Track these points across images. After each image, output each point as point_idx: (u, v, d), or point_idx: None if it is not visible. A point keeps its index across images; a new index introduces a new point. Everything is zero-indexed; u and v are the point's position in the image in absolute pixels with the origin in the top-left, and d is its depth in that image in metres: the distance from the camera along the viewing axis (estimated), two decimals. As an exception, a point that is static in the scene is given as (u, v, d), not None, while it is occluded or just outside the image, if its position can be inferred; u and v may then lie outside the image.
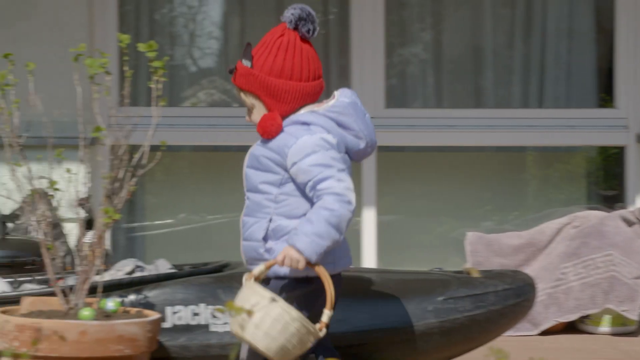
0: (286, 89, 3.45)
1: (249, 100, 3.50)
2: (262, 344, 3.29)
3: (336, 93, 3.54)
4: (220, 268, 4.35)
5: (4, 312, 3.80)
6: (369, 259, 6.28)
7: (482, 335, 4.23)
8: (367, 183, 6.29)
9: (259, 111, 3.48)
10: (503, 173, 6.73)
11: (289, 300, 3.37)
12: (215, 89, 6.54)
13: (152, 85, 3.82)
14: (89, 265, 3.80)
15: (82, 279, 3.80)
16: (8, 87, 3.87)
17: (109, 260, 4.88)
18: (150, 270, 4.43)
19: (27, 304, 3.88)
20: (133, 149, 3.90)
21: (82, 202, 5.11)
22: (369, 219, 6.28)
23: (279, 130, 3.44)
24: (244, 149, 3.65)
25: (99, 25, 6.11)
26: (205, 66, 6.71)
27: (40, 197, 4.02)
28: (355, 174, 6.31)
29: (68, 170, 3.97)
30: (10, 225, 5.43)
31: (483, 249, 5.77)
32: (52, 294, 3.94)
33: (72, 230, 5.41)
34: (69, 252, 5.33)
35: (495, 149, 6.68)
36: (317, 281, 3.42)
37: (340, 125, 3.47)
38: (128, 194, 3.91)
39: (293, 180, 3.43)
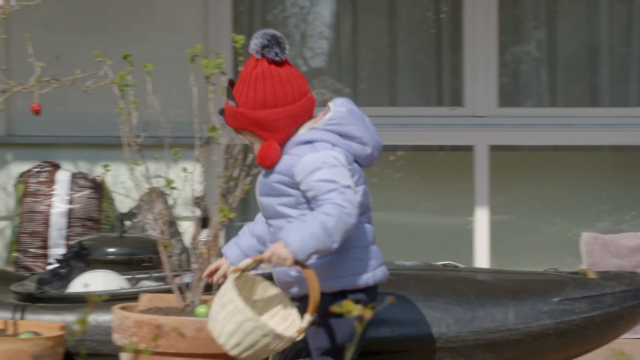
0: (275, 118, 3.38)
1: (246, 137, 3.46)
2: (221, 340, 3.27)
3: (330, 104, 3.46)
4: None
5: (123, 309, 3.88)
6: (481, 259, 6.23)
7: (599, 338, 4.16)
8: (479, 183, 6.24)
9: (259, 145, 3.43)
10: (619, 173, 6.60)
11: (326, 316, 3.30)
12: (326, 88, 6.57)
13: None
14: (204, 263, 3.85)
15: (198, 277, 3.85)
16: (127, 87, 3.95)
17: (224, 258, 4.94)
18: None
19: (144, 300, 3.95)
20: (247, 148, 3.94)
21: (198, 201, 5.18)
22: (482, 219, 6.23)
23: (278, 155, 3.38)
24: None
25: (213, 26, 6.18)
26: (316, 66, 6.74)
27: (157, 195, 4.09)
28: (467, 173, 6.29)
29: (184, 169, 4.03)
30: (127, 223, 5.53)
31: (599, 249, 5.68)
32: (169, 291, 4.01)
33: (187, 229, 5.50)
34: (184, 250, 5.41)
35: (611, 148, 6.57)
36: (354, 294, 3.36)
37: (342, 136, 3.39)
38: (242, 192, 3.95)
39: (307, 202, 3.36)
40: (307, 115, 3.43)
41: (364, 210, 3.41)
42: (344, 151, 3.37)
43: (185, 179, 4.03)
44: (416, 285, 4.16)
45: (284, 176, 3.37)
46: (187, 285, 3.88)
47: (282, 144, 3.40)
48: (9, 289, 4.44)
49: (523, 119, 6.33)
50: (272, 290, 3.45)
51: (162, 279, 4.58)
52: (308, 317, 3.25)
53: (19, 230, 5.60)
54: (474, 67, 6.30)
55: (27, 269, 5.55)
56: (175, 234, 5.40)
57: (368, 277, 3.38)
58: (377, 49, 6.68)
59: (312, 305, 3.23)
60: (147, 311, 3.85)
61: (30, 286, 4.43)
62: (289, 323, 3.40)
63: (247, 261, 3.35)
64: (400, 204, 6.49)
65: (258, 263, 3.36)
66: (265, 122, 3.38)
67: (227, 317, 3.23)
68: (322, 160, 3.30)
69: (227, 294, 3.25)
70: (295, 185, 3.35)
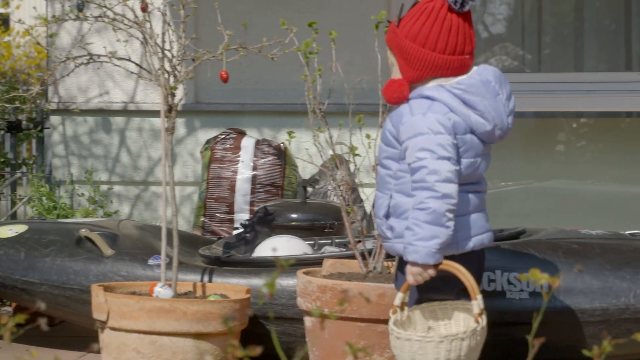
0: (416, 56, 3.34)
1: (391, 58, 3.44)
2: None
3: (474, 69, 3.37)
4: (516, 235, 4.31)
5: (306, 273, 3.93)
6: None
7: None
8: None
9: (396, 70, 3.42)
10: None
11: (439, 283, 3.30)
12: (507, 55, 6.47)
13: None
14: (387, 230, 3.86)
15: (380, 243, 3.87)
16: (312, 55, 3.98)
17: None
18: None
19: (327, 265, 4.00)
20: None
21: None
22: None
23: (400, 100, 3.35)
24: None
25: (395, -8, 6.16)
26: (497, 32, 6.65)
27: (340, 162, 4.12)
28: None
29: (367, 136, 4.04)
30: (310, 189, 5.60)
31: None
32: (352, 256, 4.04)
33: (370, 195, 5.52)
34: (366, 216, 5.44)
35: None
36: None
37: (465, 103, 3.30)
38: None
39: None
40: (447, 72, 3.35)
41: (468, 181, 3.33)
42: (459, 119, 3.30)
43: (368, 146, 4.04)
44: (602, 255, 4.08)
45: (393, 128, 3.35)
46: (370, 251, 3.91)
47: (412, 84, 3.37)
48: (197, 252, 4.57)
49: None
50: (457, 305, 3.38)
51: (344, 244, 4.62)
52: (475, 303, 3.23)
53: (206, 196, 5.74)
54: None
55: (213, 233, 5.69)
56: (357, 200, 5.44)
57: (463, 244, 3.31)
58: (561, 14, 6.53)
59: (472, 291, 3.22)
60: (330, 276, 3.90)
61: (217, 250, 4.54)
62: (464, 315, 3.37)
63: (399, 296, 3.34)
64: (585, 172, 6.35)
65: (407, 290, 3.35)
66: (407, 53, 3.35)
67: (415, 352, 3.24)
68: (427, 125, 3.25)
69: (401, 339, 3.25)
70: (399, 140, 3.32)
